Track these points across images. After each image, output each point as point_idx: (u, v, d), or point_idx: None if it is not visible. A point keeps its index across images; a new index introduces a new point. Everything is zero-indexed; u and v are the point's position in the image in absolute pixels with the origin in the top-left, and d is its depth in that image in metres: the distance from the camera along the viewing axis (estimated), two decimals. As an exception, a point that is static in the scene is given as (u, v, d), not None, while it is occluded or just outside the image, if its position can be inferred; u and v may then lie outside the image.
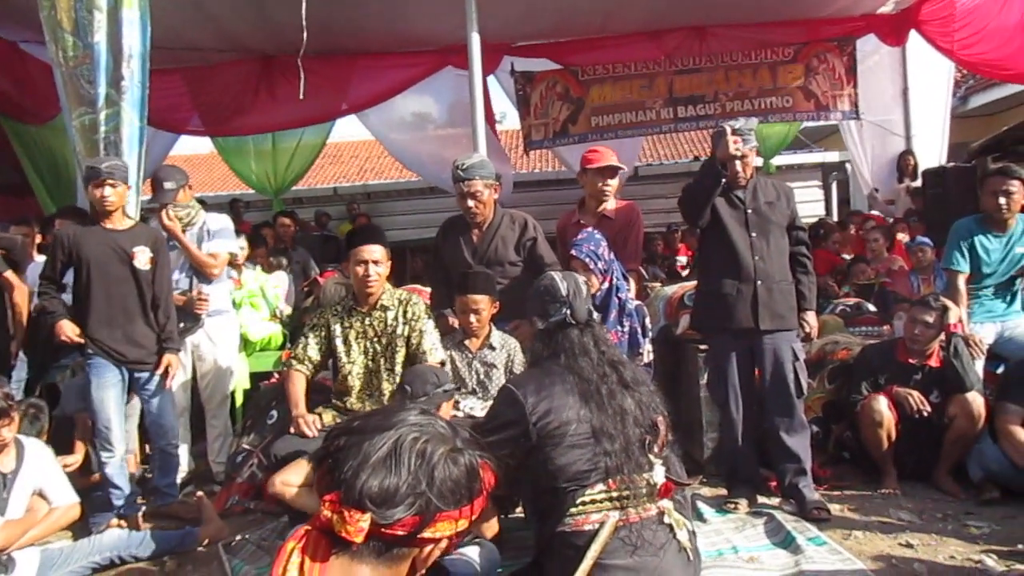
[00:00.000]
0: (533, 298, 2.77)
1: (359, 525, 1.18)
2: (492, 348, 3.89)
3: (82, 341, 3.98)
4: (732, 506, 3.86)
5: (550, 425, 2.40)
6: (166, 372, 4.11)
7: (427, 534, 1.23)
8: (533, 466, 2.44)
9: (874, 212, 9.48)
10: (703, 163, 4.01)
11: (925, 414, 4.05)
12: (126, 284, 4.04)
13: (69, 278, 4.11)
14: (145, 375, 4.09)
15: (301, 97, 5.99)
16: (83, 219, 5.08)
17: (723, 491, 4.07)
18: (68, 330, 3.96)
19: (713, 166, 3.79)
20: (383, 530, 1.20)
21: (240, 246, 5.95)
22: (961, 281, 4.51)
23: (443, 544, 1.27)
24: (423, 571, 1.30)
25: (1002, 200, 4.42)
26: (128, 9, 4.36)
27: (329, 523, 1.20)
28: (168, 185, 4.57)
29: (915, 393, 4.10)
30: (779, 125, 9.85)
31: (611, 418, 2.40)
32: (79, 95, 4.44)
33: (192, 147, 9.47)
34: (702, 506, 3.89)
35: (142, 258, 4.05)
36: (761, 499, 3.96)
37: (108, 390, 3.99)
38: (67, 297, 4.14)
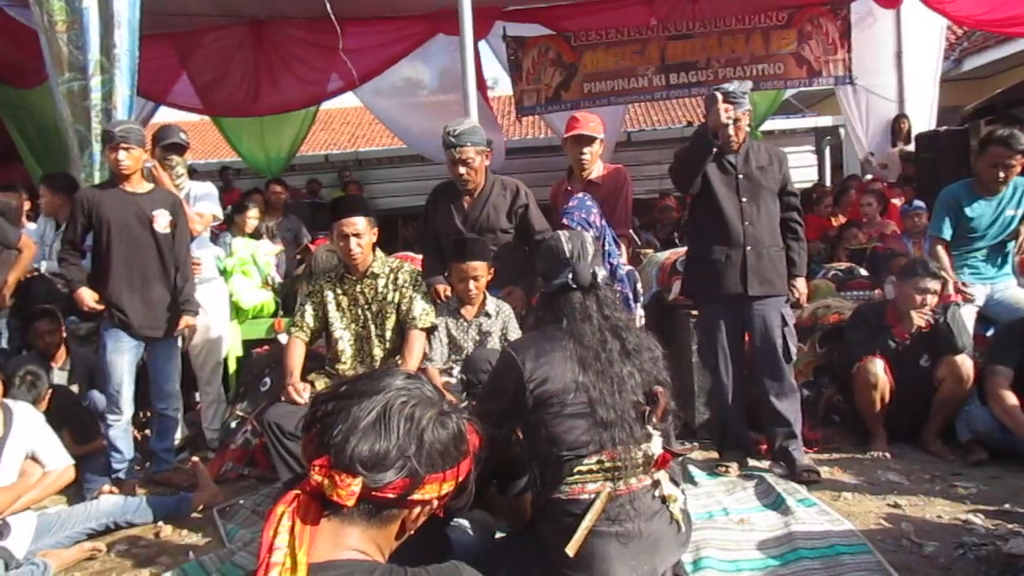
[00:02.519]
0: (539, 259, 2.73)
1: (350, 489, 1.19)
2: (488, 315, 3.88)
3: (101, 308, 3.99)
4: (723, 469, 3.90)
5: (547, 392, 2.38)
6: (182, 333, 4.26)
7: (416, 496, 1.25)
8: (531, 432, 2.44)
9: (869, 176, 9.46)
10: (695, 130, 3.96)
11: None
12: (146, 247, 4.06)
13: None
14: (158, 339, 4.14)
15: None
16: (67, 186, 5.09)
17: (714, 455, 4.10)
18: (88, 298, 3.97)
19: (704, 134, 3.74)
20: (373, 493, 1.21)
21: (252, 216, 6.00)
22: (942, 248, 4.54)
23: (432, 505, 1.29)
24: (412, 531, 1.31)
25: (1001, 173, 4.40)
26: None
27: (320, 487, 1.21)
28: (183, 136, 4.70)
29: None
30: (767, 92, 9.78)
31: (608, 387, 2.37)
32: (67, 60, 4.40)
33: (180, 114, 9.42)
34: (693, 469, 3.92)
35: (162, 221, 4.08)
36: (752, 462, 4.00)
37: (123, 354, 4.03)
38: (86, 263, 4.17)
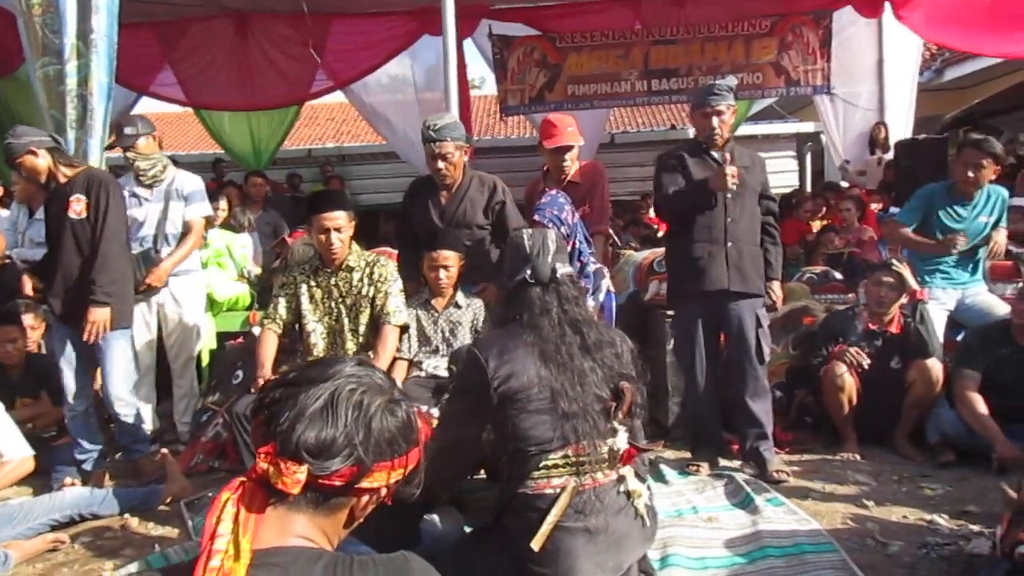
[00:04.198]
0: (505, 257, 2.74)
1: (296, 477, 1.17)
2: (458, 307, 3.89)
3: (33, 295, 3.98)
4: (694, 469, 3.92)
5: (512, 389, 2.38)
6: (95, 327, 3.79)
7: (364, 484, 1.24)
8: (498, 429, 2.44)
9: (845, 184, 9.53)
10: (695, 186, 3.87)
11: (865, 366, 4.15)
12: (65, 237, 3.92)
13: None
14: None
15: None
16: None
17: (687, 454, 4.12)
18: (27, 284, 4.01)
19: (706, 192, 3.79)
20: (320, 481, 1.20)
21: (221, 208, 5.97)
22: (904, 228, 4.72)
23: (380, 493, 1.28)
24: (361, 519, 1.30)
25: (971, 173, 4.47)
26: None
27: (265, 475, 1.19)
28: (128, 130, 4.53)
29: (852, 349, 4.19)
30: (740, 102, 9.81)
31: (570, 379, 2.38)
32: (43, 45, 4.34)
33: (164, 105, 9.39)
34: (665, 468, 3.94)
35: (76, 207, 3.90)
36: (723, 462, 4.02)
37: (60, 344, 3.98)
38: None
